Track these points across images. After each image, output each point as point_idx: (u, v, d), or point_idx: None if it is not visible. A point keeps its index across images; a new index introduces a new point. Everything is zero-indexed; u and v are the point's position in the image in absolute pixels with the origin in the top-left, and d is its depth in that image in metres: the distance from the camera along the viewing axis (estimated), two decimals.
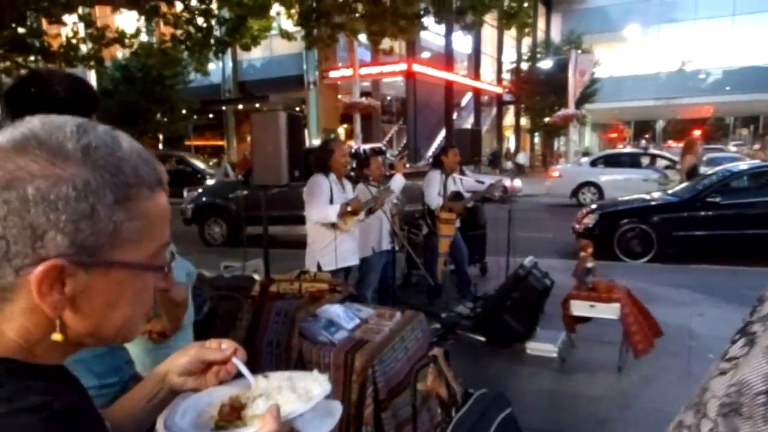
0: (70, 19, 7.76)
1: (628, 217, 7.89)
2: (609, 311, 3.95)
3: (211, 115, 27.34)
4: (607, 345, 4.25)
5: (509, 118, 34.89)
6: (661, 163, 14.03)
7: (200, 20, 7.92)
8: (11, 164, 0.56)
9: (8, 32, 7.01)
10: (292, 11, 8.37)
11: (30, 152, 0.57)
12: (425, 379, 2.13)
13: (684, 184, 8.61)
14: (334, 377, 2.46)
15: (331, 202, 4.13)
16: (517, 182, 17.27)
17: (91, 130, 0.61)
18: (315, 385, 0.78)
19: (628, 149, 21.30)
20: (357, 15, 8.19)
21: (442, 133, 25.95)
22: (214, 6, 8.08)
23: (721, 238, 7.48)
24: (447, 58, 25.04)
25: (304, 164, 4.42)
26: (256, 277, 4.78)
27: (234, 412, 0.74)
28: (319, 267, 4.11)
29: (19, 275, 0.57)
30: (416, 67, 22.94)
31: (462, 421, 1.97)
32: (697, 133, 44.42)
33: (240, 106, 26.60)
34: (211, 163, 21.13)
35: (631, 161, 14.67)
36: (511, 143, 35.05)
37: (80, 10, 7.82)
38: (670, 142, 46.09)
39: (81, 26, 8.14)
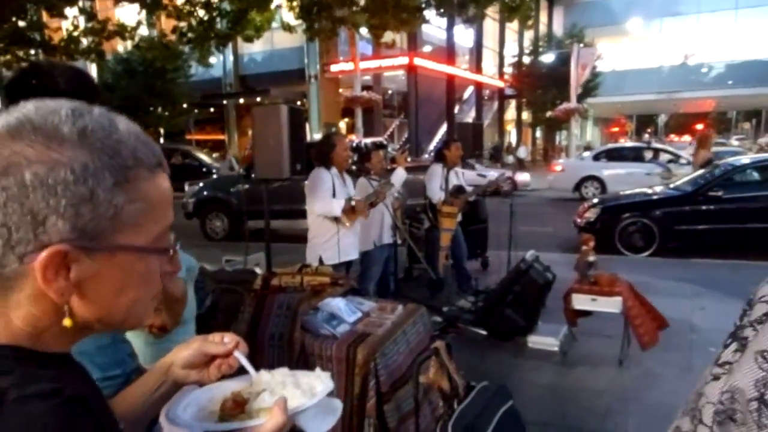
0: (71, 12, 7.74)
1: (629, 211, 7.89)
2: (611, 305, 3.95)
3: (212, 109, 27.32)
4: (608, 339, 4.26)
5: (511, 112, 34.81)
6: (664, 157, 14.00)
7: (201, 12, 7.90)
8: (6, 150, 0.55)
9: (9, 25, 7.00)
10: (294, 3, 8.34)
11: (25, 137, 0.56)
12: (427, 371, 2.13)
13: (686, 178, 8.60)
14: (336, 370, 2.47)
15: (334, 196, 4.14)
16: (526, 176, 17.25)
17: (87, 113, 0.60)
18: (318, 381, 0.77)
19: (631, 143, 21.26)
20: (358, 8, 8.16)
21: (444, 127, 25.91)
22: None
23: (723, 232, 7.47)
24: (449, 52, 24.96)
25: (305, 158, 4.42)
26: (258, 270, 4.77)
27: (237, 406, 0.73)
28: (320, 261, 4.11)
29: (23, 262, 0.56)
30: (418, 61, 22.86)
31: (464, 414, 1.98)
32: (699, 126, 44.34)
33: (241, 100, 26.57)
34: (214, 156, 21.10)
35: (634, 155, 14.62)
36: (512, 137, 34.99)
37: (81, 3, 7.80)
38: (672, 136, 46.03)
39: (81, 19, 8.12)
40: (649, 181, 10.95)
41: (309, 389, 0.76)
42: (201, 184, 10.92)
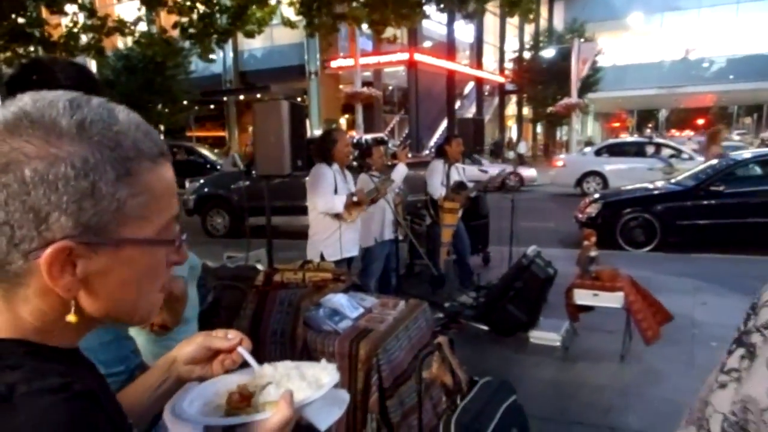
0: (70, 8, 7.72)
1: (630, 207, 7.88)
2: (612, 300, 3.95)
3: (212, 106, 27.25)
4: (609, 334, 4.26)
5: (511, 108, 34.75)
6: (666, 152, 13.96)
7: (202, 8, 7.88)
8: (5, 146, 0.55)
9: (8, 22, 6.99)
10: None
11: (23, 132, 0.55)
12: (430, 367, 2.13)
13: (687, 173, 8.59)
14: (338, 366, 2.46)
15: (335, 192, 4.13)
16: (532, 171, 17.21)
17: (85, 104, 0.60)
18: (324, 373, 0.77)
19: (633, 138, 21.19)
20: (358, 3, 8.13)
21: (444, 123, 25.88)
22: None
23: (725, 226, 7.46)
24: (449, 48, 24.92)
25: (306, 154, 4.41)
26: (260, 267, 4.77)
27: (244, 399, 0.73)
28: (321, 257, 4.11)
29: (28, 260, 0.56)
30: (418, 57, 22.81)
31: (467, 409, 1.98)
32: (700, 121, 44.23)
33: (241, 97, 26.52)
34: (216, 152, 21.06)
35: (636, 150, 14.55)
36: (513, 133, 34.92)
37: (81, 0, 7.78)
38: (673, 131, 45.97)
39: (81, 16, 8.10)
40: (651, 176, 10.93)
41: (315, 381, 0.75)
42: (201, 181, 10.91)
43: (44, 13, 7.98)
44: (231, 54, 25.21)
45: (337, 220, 4.17)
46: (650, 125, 46.01)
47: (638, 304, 3.89)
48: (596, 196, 8.81)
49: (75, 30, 7.89)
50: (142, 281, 0.63)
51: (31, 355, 0.58)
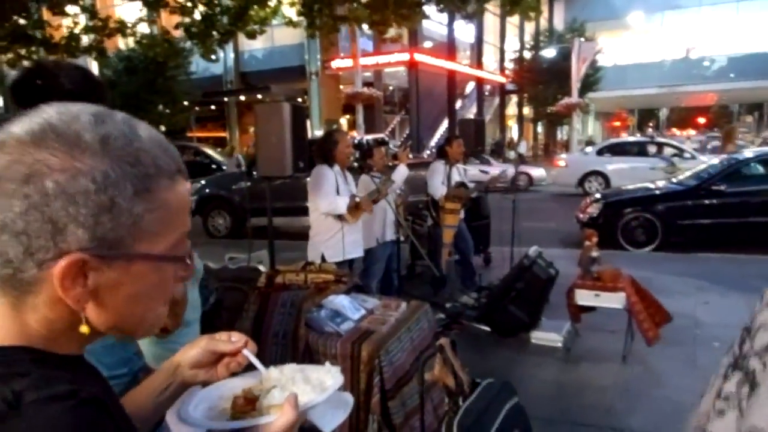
0: (72, 10, 7.74)
1: (632, 206, 7.87)
2: (614, 300, 3.95)
3: (213, 107, 27.28)
4: (611, 334, 4.26)
5: (512, 108, 34.74)
6: (668, 151, 13.95)
7: (203, 9, 7.89)
8: (29, 158, 0.55)
9: (10, 24, 7.00)
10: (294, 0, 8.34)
11: (49, 145, 0.56)
12: (432, 368, 2.13)
13: (689, 172, 8.58)
14: (341, 367, 2.47)
15: (337, 193, 4.13)
16: (541, 171, 17.17)
17: (109, 119, 0.60)
18: (328, 377, 0.77)
19: (635, 137, 21.17)
20: (359, 4, 8.13)
21: (445, 123, 25.86)
22: None
23: (727, 226, 7.45)
24: (449, 48, 24.90)
25: (308, 155, 4.41)
26: (262, 268, 4.77)
27: (249, 403, 0.73)
28: (323, 258, 4.11)
29: (41, 269, 0.56)
30: (418, 57, 22.80)
31: (470, 410, 1.98)
32: (701, 120, 44.15)
33: (242, 97, 26.52)
34: (219, 150, 21.04)
35: (638, 150, 14.54)
36: (514, 133, 34.90)
37: (82, 1, 7.79)
38: (674, 130, 45.91)
39: (83, 17, 8.11)
40: (653, 175, 10.92)
41: (319, 384, 0.76)
42: (203, 182, 10.90)
43: (46, 14, 7.99)
44: (232, 55, 25.21)
45: (338, 222, 4.17)
46: (651, 124, 45.96)
47: (639, 305, 3.89)
48: (597, 195, 8.80)
49: (76, 31, 7.91)
50: (150, 296, 0.64)
51: (37, 363, 0.58)
